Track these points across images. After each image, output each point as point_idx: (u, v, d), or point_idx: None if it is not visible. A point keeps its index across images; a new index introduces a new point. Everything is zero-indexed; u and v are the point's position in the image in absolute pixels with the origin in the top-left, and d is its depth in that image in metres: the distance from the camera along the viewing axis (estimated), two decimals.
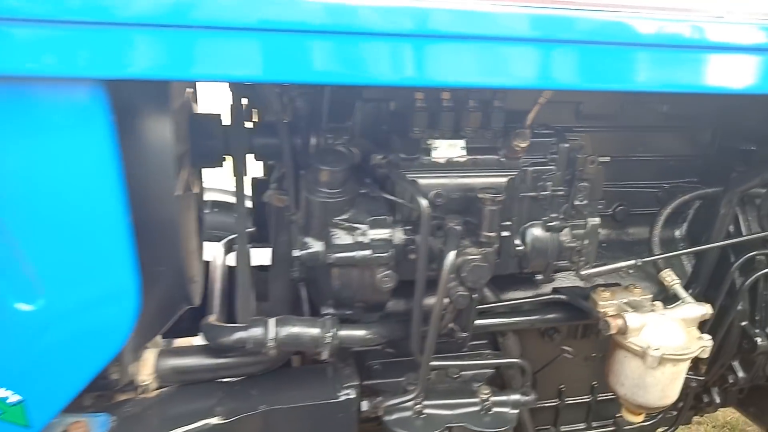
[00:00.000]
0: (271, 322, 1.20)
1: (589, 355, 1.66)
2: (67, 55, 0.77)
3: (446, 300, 1.19)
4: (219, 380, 1.32)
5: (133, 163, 0.94)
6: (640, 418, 1.41)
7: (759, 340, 1.54)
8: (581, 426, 1.72)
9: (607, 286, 1.44)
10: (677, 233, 1.69)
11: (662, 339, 1.25)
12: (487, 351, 1.49)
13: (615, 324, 1.27)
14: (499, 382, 1.50)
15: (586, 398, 1.70)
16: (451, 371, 1.44)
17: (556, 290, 1.46)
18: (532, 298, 1.44)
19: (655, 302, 1.39)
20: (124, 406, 1.20)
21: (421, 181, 1.23)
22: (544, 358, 1.57)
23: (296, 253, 1.22)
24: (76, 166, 0.87)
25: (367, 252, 1.18)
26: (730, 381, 1.69)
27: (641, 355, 1.26)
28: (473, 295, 1.21)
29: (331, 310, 1.29)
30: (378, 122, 1.35)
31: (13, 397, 0.99)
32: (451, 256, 1.14)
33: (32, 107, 0.82)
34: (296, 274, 1.35)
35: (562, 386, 1.64)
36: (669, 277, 1.40)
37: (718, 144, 1.65)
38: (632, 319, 1.27)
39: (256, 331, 1.19)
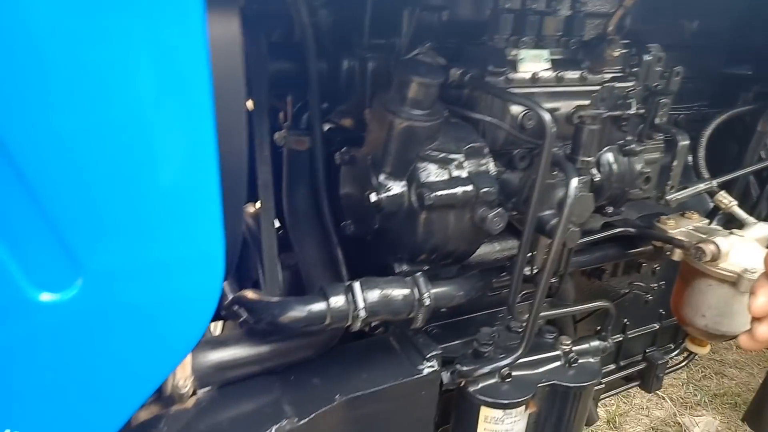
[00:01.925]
0: (356, 285, 0.92)
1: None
2: None
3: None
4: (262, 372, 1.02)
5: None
6: (707, 348, 1.35)
7: None
8: (611, 366, 1.65)
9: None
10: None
11: (752, 261, 1.18)
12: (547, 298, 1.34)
13: (709, 250, 1.17)
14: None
15: (619, 337, 1.62)
16: (513, 324, 1.26)
17: (619, 223, 1.33)
18: (603, 233, 1.29)
19: (717, 226, 1.32)
20: (156, 426, 0.86)
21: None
22: (592, 299, 1.45)
23: (372, 198, 0.94)
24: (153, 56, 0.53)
25: (470, 188, 0.94)
26: None
27: (734, 280, 1.18)
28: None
29: (405, 267, 1.04)
30: (433, 35, 1.10)
31: None
32: (575, 183, 0.95)
33: None
34: (351, 229, 1.08)
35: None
36: (725, 199, 1.34)
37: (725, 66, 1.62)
38: (724, 243, 1.18)
39: (337, 300, 0.91)
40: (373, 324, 1.05)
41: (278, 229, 1.28)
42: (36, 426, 0.62)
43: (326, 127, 1.20)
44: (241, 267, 1.39)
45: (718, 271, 1.19)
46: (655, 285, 1.54)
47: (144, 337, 0.64)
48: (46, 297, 0.57)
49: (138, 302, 0.61)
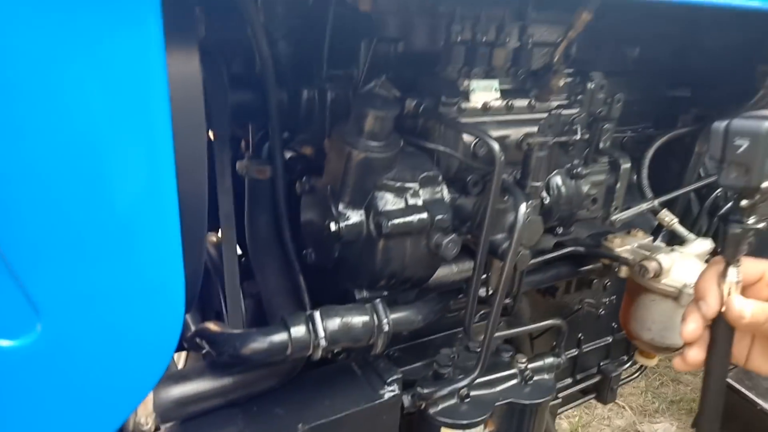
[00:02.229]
0: (316, 315, 0.94)
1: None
2: None
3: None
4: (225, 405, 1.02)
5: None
6: (656, 360, 1.42)
7: None
8: (568, 381, 1.71)
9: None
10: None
11: (692, 276, 1.25)
12: (503, 317, 1.38)
13: (652, 267, 1.24)
14: None
15: (574, 352, 1.68)
16: (471, 344, 1.30)
17: (568, 243, 1.39)
18: (554, 253, 1.35)
19: (661, 243, 1.40)
20: None
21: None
22: (547, 316, 1.50)
23: (332, 227, 0.97)
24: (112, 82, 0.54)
25: (425, 215, 0.97)
26: None
27: (675, 295, 1.24)
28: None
29: (365, 293, 1.06)
30: (389, 65, 1.14)
31: None
32: (523, 208, 0.99)
33: None
34: (312, 257, 1.10)
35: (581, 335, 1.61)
36: (667, 216, 1.41)
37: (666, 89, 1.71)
38: (666, 260, 1.25)
39: (298, 330, 0.92)
40: (335, 350, 1.07)
41: (240, 257, 1.29)
42: None
43: (287, 155, 1.22)
44: (203, 297, 1.38)
45: (660, 286, 1.26)
46: (606, 300, 1.61)
47: (105, 376, 0.64)
48: (5, 343, 0.57)
49: (97, 342, 0.62)
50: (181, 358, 1.67)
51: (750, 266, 0.82)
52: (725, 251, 0.80)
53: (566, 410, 1.71)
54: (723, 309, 0.79)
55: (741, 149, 0.74)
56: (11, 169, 0.52)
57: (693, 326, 0.80)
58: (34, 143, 0.52)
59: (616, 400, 3.55)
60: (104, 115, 0.55)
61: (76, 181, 0.55)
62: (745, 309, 0.77)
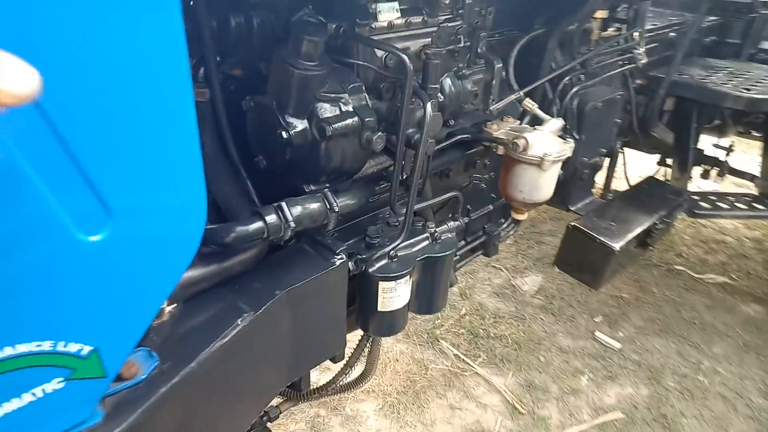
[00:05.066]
0: (284, 204, 1.19)
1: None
2: None
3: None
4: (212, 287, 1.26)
5: None
6: (526, 215, 1.85)
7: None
8: (462, 243, 2.12)
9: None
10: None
11: (549, 148, 1.65)
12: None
13: (521, 143, 1.62)
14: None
15: (465, 220, 2.08)
16: (391, 220, 1.63)
17: (458, 132, 1.72)
18: (448, 141, 1.68)
19: (526, 125, 1.78)
20: (148, 337, 1.09)
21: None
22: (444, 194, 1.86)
23: (284, 135, 1.20)
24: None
25: (356, 119, 1.24)
26: None
27: (538, 163, 1.64)
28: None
29: (312, 187, 1.33)
30: None
31: (86, 348, 0.85)
32: (429, 107, 1.29)
33: None
34: (263, 163, 1.33)
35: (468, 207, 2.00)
36: (530, 104, 1.79)
37: None
38: (530, 137, 1.63)
39: (272, 218, 1.18)
40: (286, 238, 1.33)
41: None
42: (91, 334, 0.84)
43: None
44: None
45: (527, 158, 1.65)
46: (488, 176, 2.01)
47: (158, 259, 0.87)
48: (94, 238, 0.78)
49: (153, 234, 0.84)
50: None
51: None
52: None
53: (462, 265, 2.14)
54: None
55: None
56: (91, 106, 0.71)
57: None
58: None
59: (493, 264, 4.22)
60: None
61: (134, 118, 0.75)
62: None
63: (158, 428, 1.02)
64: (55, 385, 0.84)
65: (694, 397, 3.02)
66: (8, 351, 0.77)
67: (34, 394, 0.83)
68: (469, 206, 2.09)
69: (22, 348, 0.78)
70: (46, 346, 0.81)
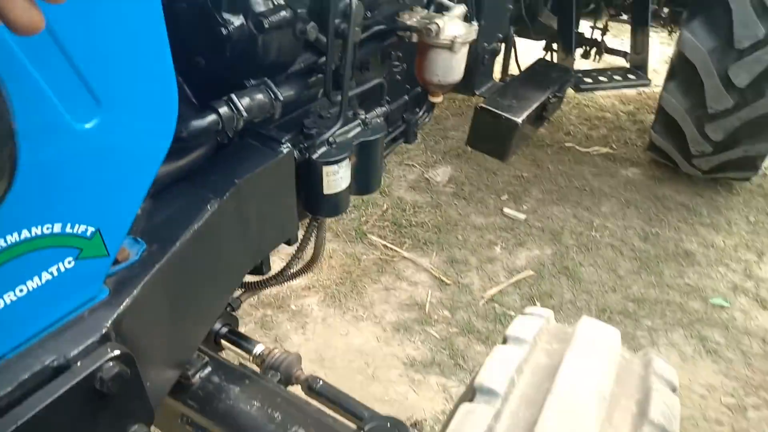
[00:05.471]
0: (234, 97, 1.29)
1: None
2: None
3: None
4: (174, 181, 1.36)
5: None
6: (441, 98, 2.05)
7: None
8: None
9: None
10: None
11: (458, 30, 1.83)
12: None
13: (433, 29, 1.77)
14: None
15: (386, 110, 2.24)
16: (323, 112, 1.76)
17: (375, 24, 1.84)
18: (369, 32, 1.79)
19: (434, 13, 1.93)
20: (130, 228, 1.19)
21: None
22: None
23: (224, 32, 1.28)
24: None
25: (289, 11, 1.33)
26: None
27: (449, 46, 1.82)
28: None
29: (253, 82, 1.42)
30: None
31: (90, 229, 0.95)
32: None
33: None
34: (202, 63, 1.40)
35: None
36: None
37: None
38: (441, 22, 1.79)
39: (225, 110, 1.28)
40: (239, 129, 1.43)
41: None
42: (92, 215, 0.94)
43: None
44: None
45: (440, 41, 1.81)
46: (401, 67, 2.16)
47: (144, 142, 0.97)
48: (88, 125, 0.87)
49: (136, 122, 0.94)
50: None
51: None
52: None
53: (388, 154, 2.33)
54: None
55: None
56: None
57: None
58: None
59: (406, 162, 4.46)
60: None
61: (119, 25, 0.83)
62: None
63: (157, 301, 1.16)
64: (67, 264, 0.95)
65: (589, 249, 3.53)
66: (26, 234, 0.87)
67: (51, 273, 0.93)
68: (387, 97, 2.24)
69: (37, 231, 0.88)
70: (57, 228, 0.91)
